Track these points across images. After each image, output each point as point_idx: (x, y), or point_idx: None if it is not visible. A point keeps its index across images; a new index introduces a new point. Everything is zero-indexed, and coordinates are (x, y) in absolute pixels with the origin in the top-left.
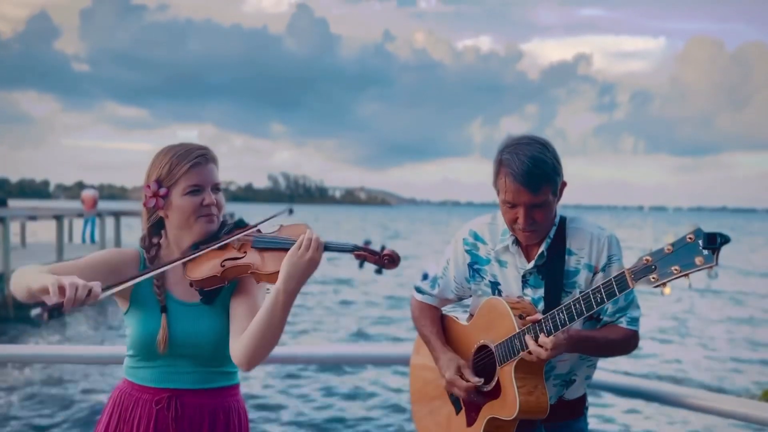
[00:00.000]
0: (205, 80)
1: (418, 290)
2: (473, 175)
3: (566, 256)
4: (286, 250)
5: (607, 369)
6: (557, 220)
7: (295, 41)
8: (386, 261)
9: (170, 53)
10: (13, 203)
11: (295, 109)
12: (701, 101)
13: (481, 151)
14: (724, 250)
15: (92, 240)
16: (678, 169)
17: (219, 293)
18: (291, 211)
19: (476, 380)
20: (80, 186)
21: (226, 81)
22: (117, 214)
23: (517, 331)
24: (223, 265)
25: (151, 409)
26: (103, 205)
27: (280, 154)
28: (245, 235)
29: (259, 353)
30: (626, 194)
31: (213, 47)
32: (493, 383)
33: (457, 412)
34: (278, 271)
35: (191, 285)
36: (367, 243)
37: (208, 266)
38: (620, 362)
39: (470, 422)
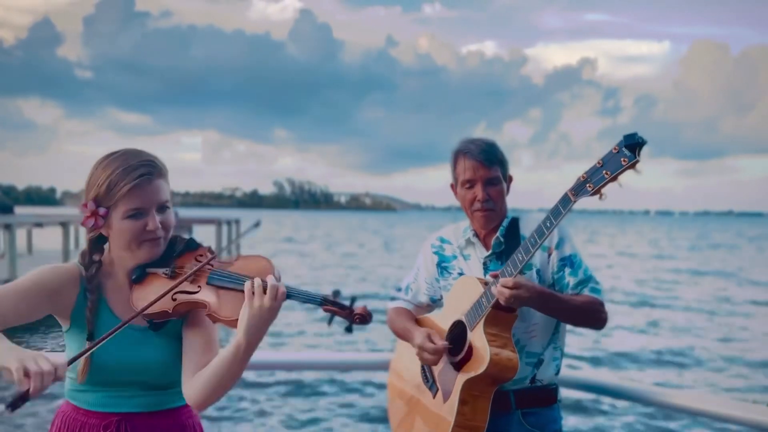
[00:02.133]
0: (208, 86)
1: (392, 299)
2: None
3: (521, 241)
4: (242, 291)
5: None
6: (509, 217)
7: (297, 47)
8: (357, 319)
9: (173, 60)
10: (19, 210)
11: (298, 114)
12: (706, 105)
13: None
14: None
15: None
16: (683, 173)
17: (168, 323)
18: (258, 224)
19: (443, 343)
20: None
21: (229, 87)
22: None
23: (482, 291)
24: (175, 299)
25: None
26: None
27: (284, 159)
28: (200, 268)
29: (214, 398)
30: (632, 198)
31: (216, 53)
32: (465, 350)
33: (434, 395)
34: (236, 319)
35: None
36: (336, 294)
37: (157, 298)
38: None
39: (446, 396)
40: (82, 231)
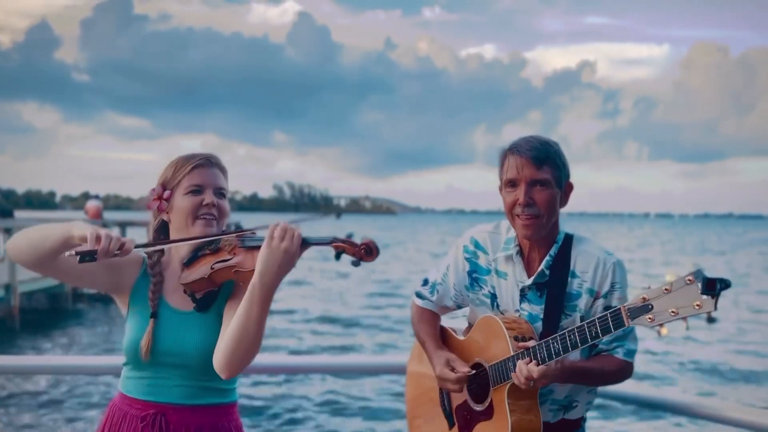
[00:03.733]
0: (207, 90)
1: (418, 295)
2: (477, 184)
3: (569, 278)
4: None
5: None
6: (561, 236)
7: (296, 50)
8: (363, 252)
9: (171, 63)
10: (19, 214)
11: (297, 117)
12: (706, 107)
13: (483, 159)
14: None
15: None
16: (683, 176)
17: (214, 301)
18: (339, 215)
19: (466, 369)
20: (86, 196)
21: (228, 90)
22: (122, 225)
23: (512, 354)
24: (213, 268)
25: (137, 426)
26: (109, 215)
27: (283, 163)
28: (238, 236)
29: (237, 358)
30: (631, 201)
31: (214, 56)
32: (486, 403)
33: (450, 427)
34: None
35: (184, 291)
36: (349, 236)
37: (199, 270)
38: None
39: None
40: None
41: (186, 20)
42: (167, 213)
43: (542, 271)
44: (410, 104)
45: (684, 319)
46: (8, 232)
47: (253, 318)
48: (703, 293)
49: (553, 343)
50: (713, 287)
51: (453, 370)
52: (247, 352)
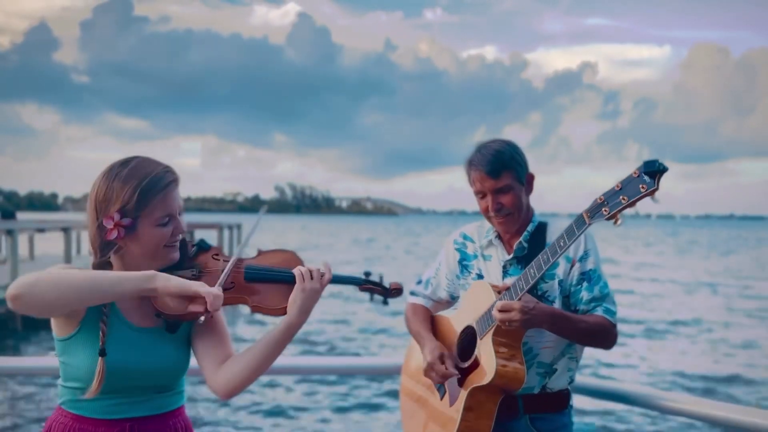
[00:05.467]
0: (206, 91)
1: (412, 293)
2: None
3: (545, 248)
4: (286, 282)
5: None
6: (535, 219)
7: (296, 51)
8: (393, 293)
9: (170, 64)
10: (21, 216)
11: (296, 119)
12: (706, 108)
13: None
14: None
15: None
16: (683, 177)
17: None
18: (264, 211)
19: (454, 372)
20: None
21: (227, 91)
22: None
23: (494, 299)
24: None
25: None
26: None
27: (284, 164)
28: (232, 267)
29: (247, 384)
30: None
31: (213, 58)
32: (473, 357)
33: (441, 397)
34: (282, 308)
35: (158, 316)
36: (368, 275)
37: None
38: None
39: (453, 401)
40: (84, 236)
41: (186, 21)
42: (123, 240)
43: (521, 244)
44: (411, 105)
45: (633, 204)
46: (10, 233)
47: (279, 351)
48: (645, 174)
49: (529, 271)
50: (652, 166)
51: (444, 364)
52: (260, 373)
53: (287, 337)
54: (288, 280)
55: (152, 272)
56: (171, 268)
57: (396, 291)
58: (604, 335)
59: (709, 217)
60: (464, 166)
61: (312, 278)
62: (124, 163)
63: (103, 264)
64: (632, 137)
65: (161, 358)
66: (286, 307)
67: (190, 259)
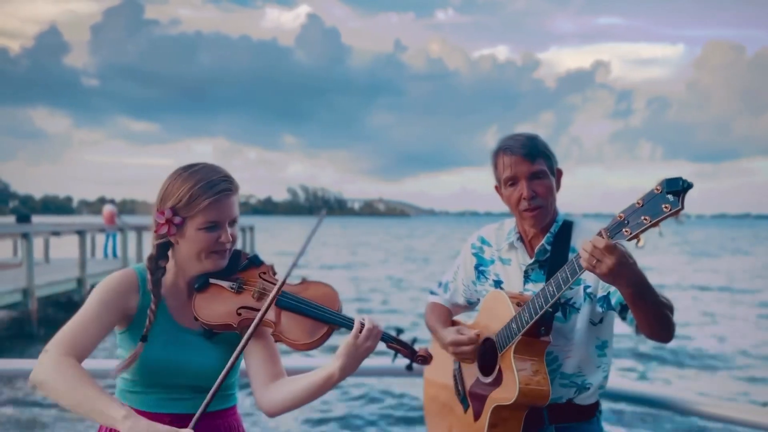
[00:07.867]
0: (216, 93)
1: (432, 293)
2: (490, 185)
3: (570, 254)
4: (312, 318)
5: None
6: (561, 217)
7: (305, 52)
8: (419, 360)
9: (180, 67)
10: (36, 219)
11: (306, 120)
12: (720, 106)
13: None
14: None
15: (114, 255)
16: (697, 176)
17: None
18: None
19: (473, 332)
20: (102, 201)
21: (237, 94)
22: (139, 229)
23: (514, 314)
24: (239, 314)
25: None
26: (126, 219)
27: (294, 166)
28: (276, 292)
29: (290, 410)
30: None
31: (223, 60)
32: (495, 373)
33: (465, 410)
34: (304, 342)
35: (196, 319)
36: (399, 332)
37: (221, 310)
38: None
39: (477, 416)
40: (99, 239)
41: (196, 24)
42: (174, 236)
43: (543, 247)
44: (422, 106)
45: (657, 224)
46: (26, 237)
47: (323, 392)
48: (668, 194)
49: (547, 287)
50: (675, 185)
51: (463, 335)
52: (302, 405)
53: (327, 386)
54: (319, 318)
55: (127, 415)
56: (215, 276)
57: (422, 359)
58: (670, 318)
59: (724, 216)
60: (491, 157)
61: (368, 338)
62: (190, 166)
63: (158, 256)
64: (645, 136)
65: (199, 360)
66: (308, 343)
67: (238, 271)
